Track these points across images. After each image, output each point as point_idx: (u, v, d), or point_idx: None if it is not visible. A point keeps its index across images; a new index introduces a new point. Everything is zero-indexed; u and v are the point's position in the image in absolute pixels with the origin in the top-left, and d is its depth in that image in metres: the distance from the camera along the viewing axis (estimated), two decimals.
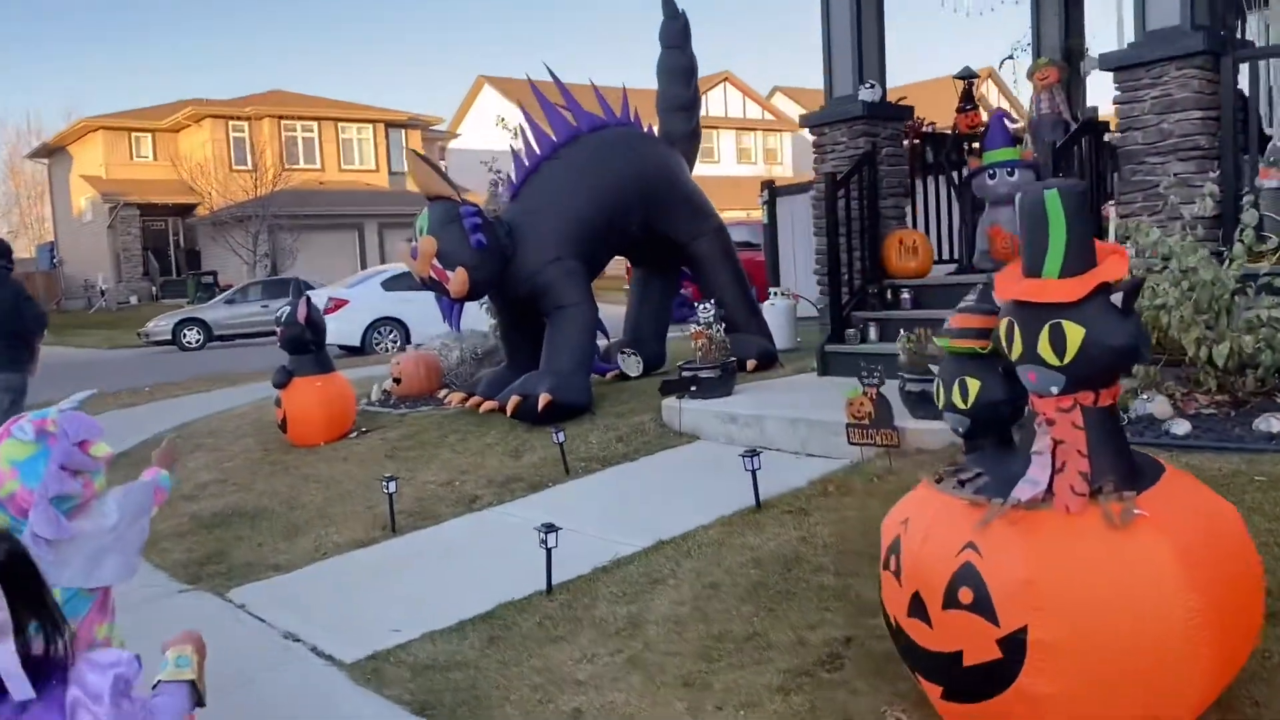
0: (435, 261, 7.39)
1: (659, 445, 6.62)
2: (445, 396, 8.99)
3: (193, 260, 37.42)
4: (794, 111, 48.24)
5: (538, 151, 8.09)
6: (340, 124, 39.56)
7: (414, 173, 7.69)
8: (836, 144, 8.12)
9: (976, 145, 9.15)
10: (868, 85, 8.01)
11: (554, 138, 8.12)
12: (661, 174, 8.47)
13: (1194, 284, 5.28)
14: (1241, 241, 5.52)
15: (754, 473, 5.02)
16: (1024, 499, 2.68)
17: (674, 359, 9.38)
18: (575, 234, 7.81)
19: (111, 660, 1.73)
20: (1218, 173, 5.91)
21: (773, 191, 15.51)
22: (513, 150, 8.24)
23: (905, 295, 7.73)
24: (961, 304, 3.22)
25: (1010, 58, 10.07)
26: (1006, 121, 9.09)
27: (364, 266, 33.85)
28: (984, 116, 9.68)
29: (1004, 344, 2.80)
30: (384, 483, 5.61)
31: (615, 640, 3.88)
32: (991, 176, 8.69)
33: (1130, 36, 6.68)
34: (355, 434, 8.34)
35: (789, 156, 46.74)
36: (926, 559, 2.81)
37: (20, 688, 1.59)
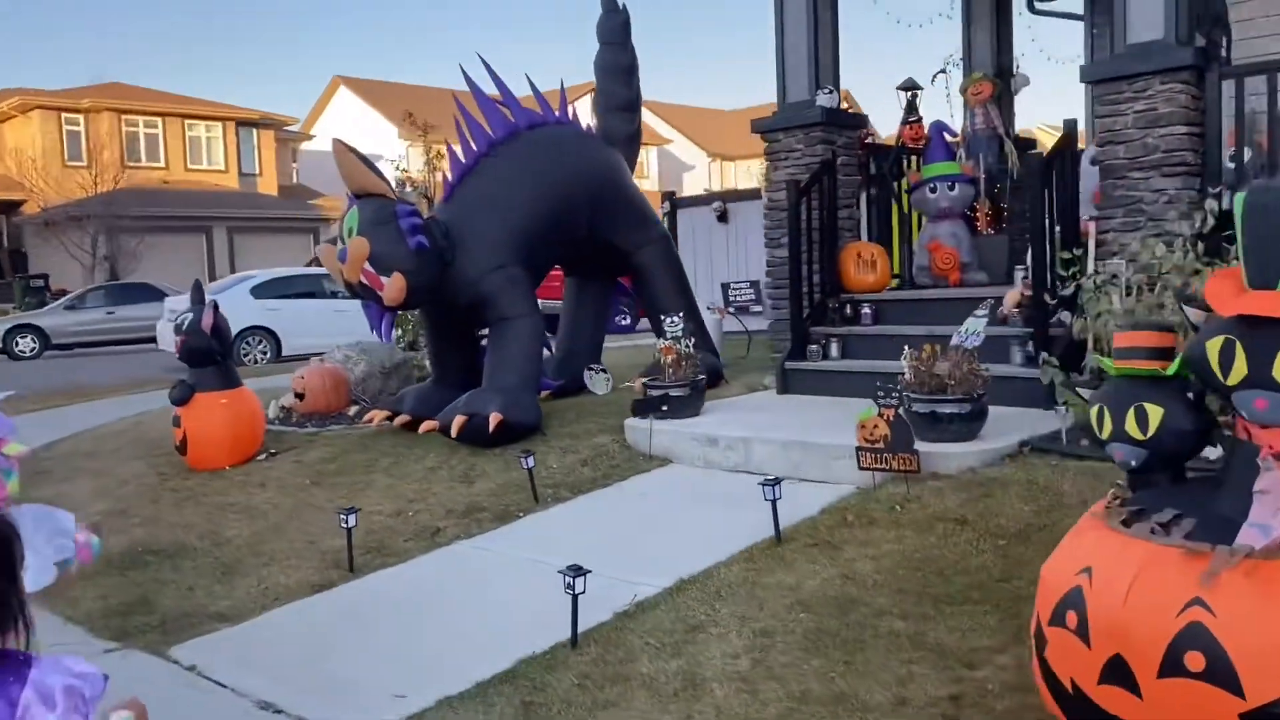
0: (367, 265, 6.66)
1: (630, 470, 6.09)
2: (361, 414, 8.23)
3: (18, 262, 34.36)
4: (660, 127, 48.36)
5: (475, 148, 7.45)
6: (187, 120, 37.20)
7: (341, 165, 6.92)
8: (791, 151, 7.79)
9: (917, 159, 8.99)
10: (825, 90, 7.72)
11: (491, 133, 7.50)
12: (607, 177, 7.95)
13: None
14: (1238, 259, 5.40)
15: (774, 503, 4.56)
16: (1258, 547, 2.31)
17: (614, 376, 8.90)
18: (520, 239, 7.21)
19: (78, 670, 1.57)
20: (1219, 188, 5.82)
21: (674, 203, 15.17)
22: (449, 147, 7.56)
23: (866, 310, 7.44)
24: (1130, 320, 2.84)
25: (943, 72, 9.98)
26: (946, 135, 8.99)
27: (213, 272, 31.97)
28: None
29: (1215, 366, 2.43)
30: (342, 515, 4.89)
31: (679, 704, 3.34)
32: (933, 190, 8.57)
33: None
34: (264, 456, 7.47)
35: (654, 170, 46.70)
36: (1133, 617, 2.39)
37: None
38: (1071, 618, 2.55)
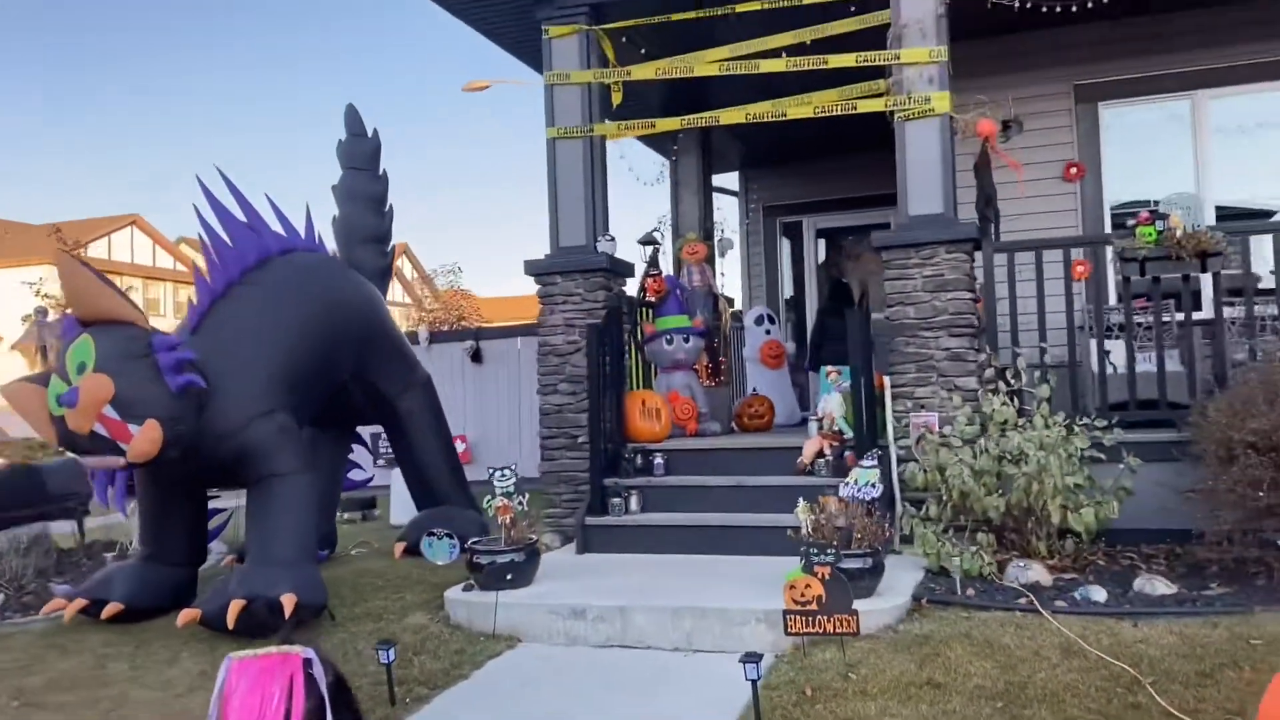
0: (110, 410, 5.20)
1: (480, 654, 5.15)
2: (16, 605, 6.37)
3: None
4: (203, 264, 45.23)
5: (223, 271, 6.23)
6: None
7: (71, 285, 5.40)
8: (571, 295, 7.42)
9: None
10: (607, 237, 7.53)
11: (242, 255, 6.33)
12: (372, 312, 7.02)
13: (1068, 452, 5.53)
14: (1041, 414, 5.96)
15: (755, 683, 4.04)
16: None
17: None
18: (287, 380, 6.07)
19: None
20: (1022, 350, 6.38)
21: None
22: (195, 269, 6.25)
23: (658, 461, 7.16)
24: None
25: (656, 229, 10.27)
26: (678, 290, 9.18)
27: None
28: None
29: None
30: None
31: None
32: (669, 342, 8.65)
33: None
34: None
35: None
36: None
37: None
38: None
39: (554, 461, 7.41)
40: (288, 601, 5.23)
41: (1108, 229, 8.41)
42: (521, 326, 13.94)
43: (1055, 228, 8.17)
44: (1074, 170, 8.35)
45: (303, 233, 6.96)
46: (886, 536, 5.23)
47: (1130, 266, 6.31)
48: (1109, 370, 6.75)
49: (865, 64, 6.97)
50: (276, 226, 6.77)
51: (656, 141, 10.12)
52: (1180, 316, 6.60)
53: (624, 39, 7.80)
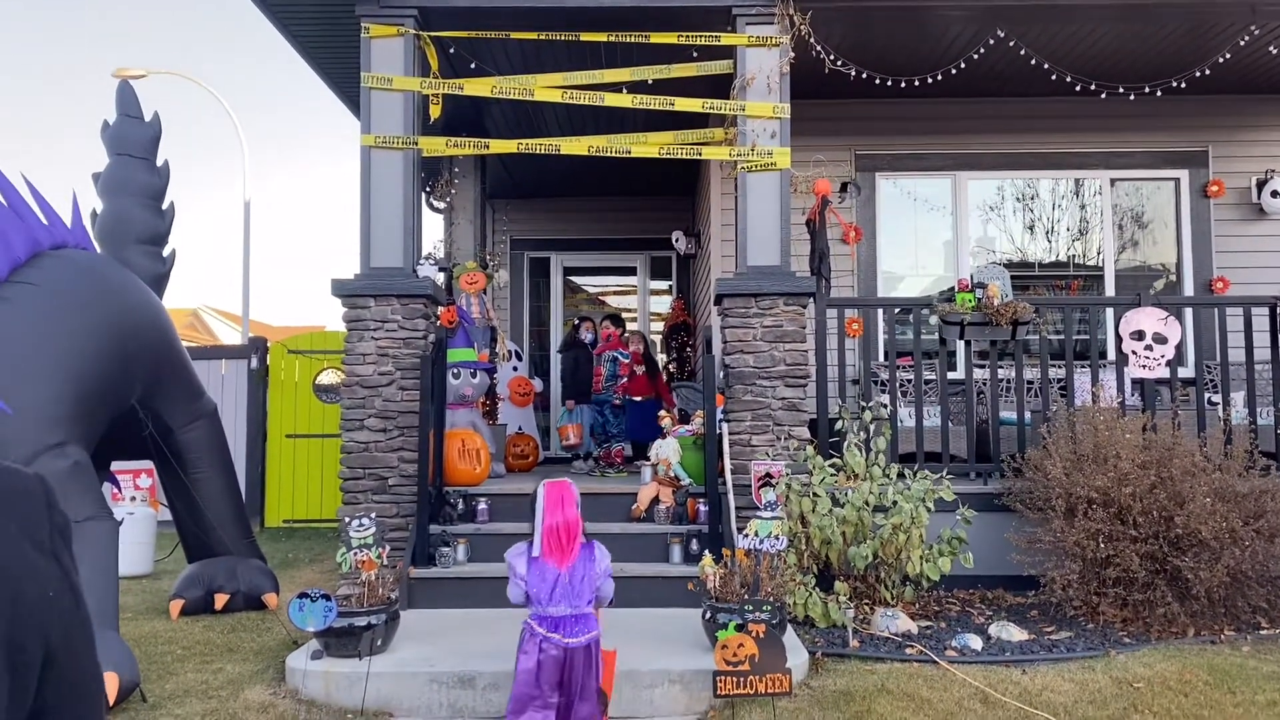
0: None
1: None
2: None
3: None
4: None
5: None
6: None
7: None
8: (386, 321, 6.71)
9: None
10: (430, 261, 6.93)
11: (14, 249, 5.12)
12: (159, 328, 5.91)
13: (931, 503, 5.76)
14: (878, 465, 6.23)
15: None
16: None
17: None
18: (78, 407, 4.96)
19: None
20: (872, 402, 6.57)
21: None
22: None
23: (481, 506, 6.62)
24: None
25: (429, 256, 9.58)
26: (465, 323, 8.67)
27: None
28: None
29: None
30: None
31: None
32: (456, 376, 8.18)
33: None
34: None
35: None
36: None
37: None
38: None
39: (356, 505, 6.63)
40: (110, 681, 4.22)
41: (881, 291, 9.02)
42: (230, 348, 12.50)
43: (836, 288, 8.62)
44: (854, 233, 8.87)
45: (70, 225, 5.76)
46: (785, 590, 5.15)
47: (951, 330, 6.77)
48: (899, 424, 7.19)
49: (711, 110, 7.00)
50: (40, 215, 5.56)
51: (428, 164, 9.52)
52: (955, 375, 7.22)
53: (451, 50, 7.27)
